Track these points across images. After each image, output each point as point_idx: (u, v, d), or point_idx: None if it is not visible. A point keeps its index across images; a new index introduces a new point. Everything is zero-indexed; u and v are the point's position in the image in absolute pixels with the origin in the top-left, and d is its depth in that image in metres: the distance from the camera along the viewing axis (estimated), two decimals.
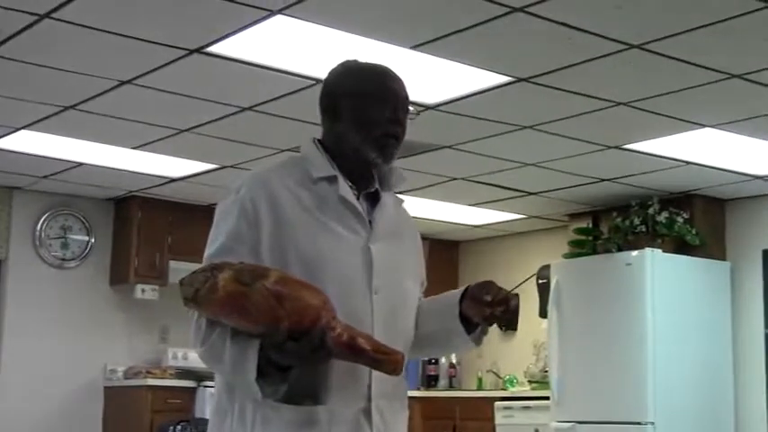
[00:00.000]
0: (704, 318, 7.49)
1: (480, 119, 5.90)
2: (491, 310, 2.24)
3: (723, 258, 7.77)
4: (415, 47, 4.80)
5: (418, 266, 2.44)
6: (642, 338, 7.13)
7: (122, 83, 5.46)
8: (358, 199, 2.30)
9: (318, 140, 2.38)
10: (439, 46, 4.77)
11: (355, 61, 2.42)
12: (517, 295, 2.23)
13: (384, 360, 2.06)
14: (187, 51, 4.95)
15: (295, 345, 1.99)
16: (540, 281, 7.99)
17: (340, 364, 2.10)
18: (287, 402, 2.10)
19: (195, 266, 8.16)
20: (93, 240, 8.47)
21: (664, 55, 4.81)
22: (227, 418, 2.20)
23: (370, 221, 2.29)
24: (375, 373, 2.16)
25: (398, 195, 2.42)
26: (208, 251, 2.26)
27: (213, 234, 2.27)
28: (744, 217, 7.79)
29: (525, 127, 6.09)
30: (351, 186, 2.29)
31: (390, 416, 2.24)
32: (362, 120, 2.29)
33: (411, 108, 2.36)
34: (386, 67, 2.40)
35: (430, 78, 5.26)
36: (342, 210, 2.26)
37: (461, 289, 2.34)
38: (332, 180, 2.28)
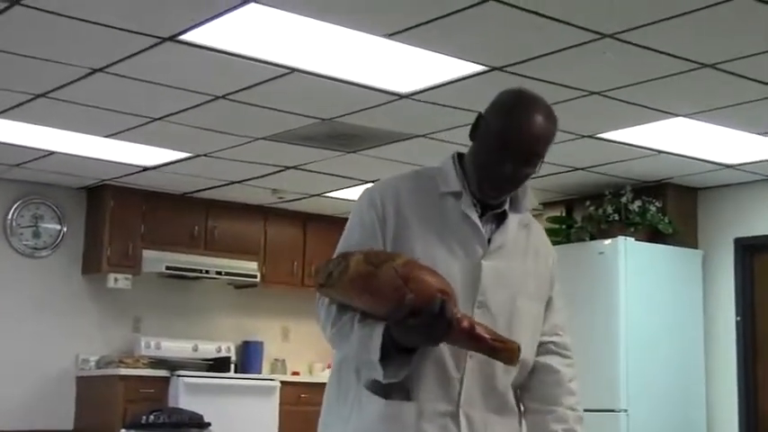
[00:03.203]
0: (676, 305, 7.54)
1: (454, 108, 5.90)
2: None
3: (695, 246, 7.83)
4: (389, 35, 4.80)
5: (542, 287, 2.43)
6: (615, 326, 7.18)
7: (95, 71, 5.42)
8: (482, 216, 2.34)
9: (459, 154, 2.42)
10: (413, 35, 4.76)
11: (511, 96, 2.37)
12: None
13: (501, 348, 2.15)
14: (160, 39, 4.91)
15: (416, 319, 2.08)
16: None
17: (432, 367, 2.21)
18: (380, 394, 2.23)
19: (168, 255, 8.08)
20: (65, 229, 8.42)
21: (636, 44, 4.83)
22: (332, 400, 2.36)
23: (489, 239, 2.34)
24: (466, 381, 2.26)
25: (529, 217, 2.46)
26: (341, 246, 2.35)
27: (348, 230, 2.38)
28: (715, 206, 7.85)
29: None
30: (475, 204, 2.34)
31: (482, 425, 2.29)
32: (477, 158, 2.33)
33: (536, 164, 2.32)
34: (524, 116, 2.30)
35: (404, 67, 5.26)
36: (463, 226, 2.32)
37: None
38: (457, 196, 2.34)
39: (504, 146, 2.27)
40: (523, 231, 2.42)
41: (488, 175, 2.30)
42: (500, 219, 2.37)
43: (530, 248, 2.42)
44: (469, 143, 2.39)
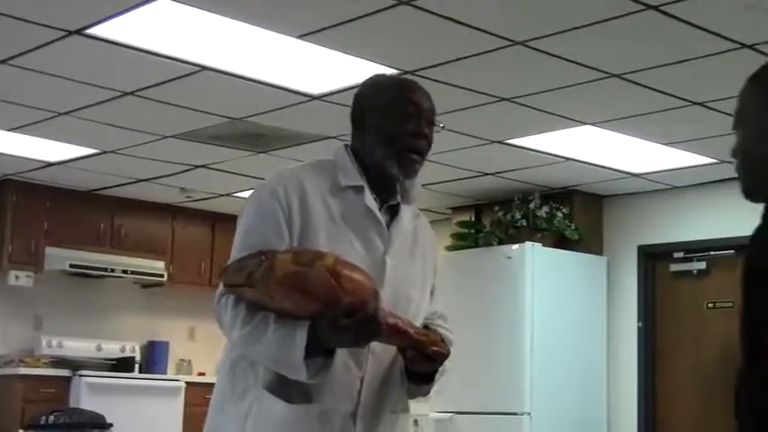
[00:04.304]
0: (581, 311, 7.67)
1: None
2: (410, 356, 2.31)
3: (600, 253, 7.97)
4: (301, 36, 4.78)
5: (428, 276, 2.50)
6: (520, 330, 7.27)
7: None
8: (380, 209, 2.37)
9: (350, 147, 2.43)
10: (325, 36, 4.75)
11: (383, 75, 2.53)
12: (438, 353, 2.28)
13: (425, 340, 2.22)
14: (66, 32, 4.81)
15: (350, 320, 2.06)
16: None
17: (335, 366, 2.16)
18: (281, 398, 2.19)
19: (72, 253, 7.84)
20: None
21: (546, 52, 4.90)
22: (225, 400, 2.29)
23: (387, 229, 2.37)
24: (366, 379, 2.27)
25: (416, 209, 2.51)
26: (242, 245, 2.26)
27: (248, 227, 2.30)
28: (620, 213, 8.01)
29: None
30: (375, 198, 2.37)
31: (376, 424, 2.31)
32: (385, 134, 2.36)
33: (437, 121, 2.43)
34: (411, 81, 2.48)
35: (315, 68, 5.25)
36: (365, 221, 2.33)
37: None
38: (358, 190, 2.35)
39: (409, 105, 2.36)
40: (413, 223, 2.47)
41: (406, 142, 2.35)
42: (393, 212, 2.40)
43: (419, 240, 2.48)
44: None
